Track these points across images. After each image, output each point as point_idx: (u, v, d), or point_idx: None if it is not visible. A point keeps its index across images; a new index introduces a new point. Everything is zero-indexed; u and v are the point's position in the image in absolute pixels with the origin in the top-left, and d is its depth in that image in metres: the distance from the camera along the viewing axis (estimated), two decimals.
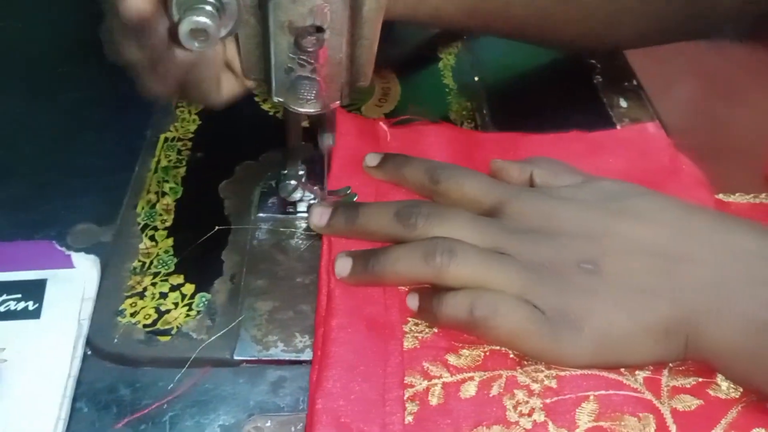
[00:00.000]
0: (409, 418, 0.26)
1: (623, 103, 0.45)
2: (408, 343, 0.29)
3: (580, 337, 0.28)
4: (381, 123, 0.40)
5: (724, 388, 0.27)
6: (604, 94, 0.46)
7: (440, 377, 0.27)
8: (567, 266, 0.29)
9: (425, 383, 0.27)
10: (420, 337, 0.29)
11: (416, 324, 0.30)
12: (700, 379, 0.27)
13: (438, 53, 0.50)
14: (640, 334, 0.28)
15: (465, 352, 0.29)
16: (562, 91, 0.47)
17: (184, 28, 0.24)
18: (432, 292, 0.30)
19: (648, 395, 0.27)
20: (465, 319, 0.29)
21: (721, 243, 0.29)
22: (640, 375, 0.28)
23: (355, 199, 0.36)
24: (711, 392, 0.27)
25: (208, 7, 0.24)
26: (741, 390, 0.27)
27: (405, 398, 0.27)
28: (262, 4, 0.27)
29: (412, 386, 0.27)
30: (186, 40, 0.24)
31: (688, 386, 0.27)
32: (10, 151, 0.41)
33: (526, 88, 0.48)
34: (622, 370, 0.28)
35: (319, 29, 0.27)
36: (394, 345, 0.29)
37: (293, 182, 0.35)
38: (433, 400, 0.27)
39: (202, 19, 0.24)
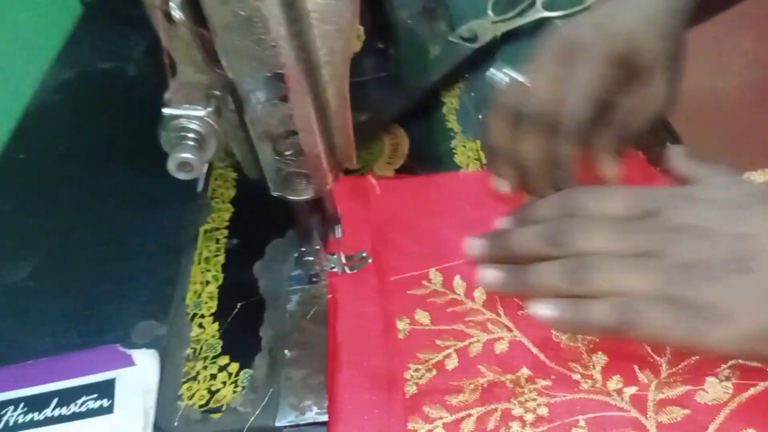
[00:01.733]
0: None
1: None
2: (409, 389, 0.32)
3: (731, 329, 0.29)
4: (369, 177, 0.43)
5: (711, 393, 0.28)
6: None
7: (440, 418, 0.30)
8: (716, 265, 0.30)
9: (426, 426, 0.30)
10: (419, 383, 0.32)
11: (416, 370, 0.33)
12: (687, 388, 0.29)
13: (441, 98, 0.53)
14: None
15: (463, 392, 0.31)
16: None
17: (171, 164, 0.28)
18: (571, 303, 0.32)
19: (634, 413, 0.29)
20: (612, 327, 0.30)
21: None
22: (627, 393, 0.29)
23: (364, 254, 0.39)
24: (698, 399, 0.28)
25: (191, 142, 0.29)
26: (730, 392, 0.28)
27: None
28: (240, 119, 0.31)
29: (414, 431, 0.30)
30: (174, 173, 0.29)
31: (675, 397, 0.29)
32: (63, 266, 0.46)
33: None
34: (611, 390, 0.30)
35: (293, 133, 0.31)
36: (396, 394, 0.32)
37: (311, 258, 0.39)
38: None
39: (186, 154, 0.28)
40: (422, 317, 0.36)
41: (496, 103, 0.42)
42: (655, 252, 0.31)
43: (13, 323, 0.43)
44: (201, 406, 0.36)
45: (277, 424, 0.34)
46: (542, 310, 0.32)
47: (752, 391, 0.29)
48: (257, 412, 0.35)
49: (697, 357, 0.31)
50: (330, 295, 0.38)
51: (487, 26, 0.58)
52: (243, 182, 0.49)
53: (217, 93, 0.30)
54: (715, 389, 0.29)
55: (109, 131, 0.60)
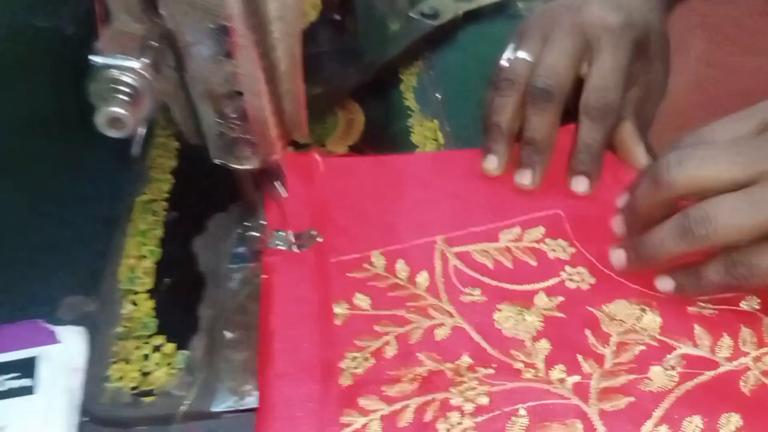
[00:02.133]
0: None
1: None
2: (344, 380, 0.30)
3: None
4: (314, 154, 0.41)
5: (656, 381, 0.28)
6: None
7: (377, 410, 0.29)
8: None
9: (362, 419, 0.29)
10: (355, 372, 0.31)
11: (353, 359, 0.31)
12: (632, 377, 0.28)
13: (399, 75, 0.51)
14: None
15: (401, 382, 0.30)
16: None
17: (100, 119, 0.26)
18: (683, 270, 0.32)
19: (575, 401, 0.28)
20: (732, 283, 0.30)
21: None
22: (570, 382, 0.29)
23: (314, 233, 0.38)
24: (642, 388, 0.28)
25: (123, 96, 0.26)
26: (675, 381, 0.28)
27: None
28: (180, 75, 0.29)
29: (349, 425, 0.28)
30: (103, 129, 0.26)
31: (618, 386, 0.28)
32: None
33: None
34: (552, 379, 0.29)
35: (238, 94, 0.29)
36: (330, 385, 0.30)
37: (256, 233, 0.37)
38: None
39: (117, 108, 0.26)
40: (362, 302, 0.35)
41: (502, 79, 0.40)
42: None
43: None
44: (132, 389, 0.33)
45: (214, 409, 0.32)
46: (665, 285, 0.33)
47: (699, 379, 0.29)
48: (193, 396, 0.33)
49: (643, 348, 0.30)
50: (265, 276, 0.36)
51: (449, 4, 0.57)
52: (186, 153, 0.46)
53: (155, 45, 0.27)
54: (660, 378, 0.29)
55: (43, 96, 0.56)
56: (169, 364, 0.34)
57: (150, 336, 0.36)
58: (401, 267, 0.36)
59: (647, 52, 0.41)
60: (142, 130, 0.28)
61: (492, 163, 0.40)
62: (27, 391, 0.33)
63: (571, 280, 0.35)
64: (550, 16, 0.41)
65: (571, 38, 0.39)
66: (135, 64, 0.26)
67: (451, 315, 0.33)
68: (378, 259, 0.37)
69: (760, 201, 0.29)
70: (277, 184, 0.35)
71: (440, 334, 0.33)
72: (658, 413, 0.27)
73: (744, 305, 0.33)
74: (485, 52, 0.49)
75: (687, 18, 0.54)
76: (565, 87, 0.38)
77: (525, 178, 0.39)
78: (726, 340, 0.31)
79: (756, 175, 0.30)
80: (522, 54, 0.40)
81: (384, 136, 0.46)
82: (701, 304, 0.33)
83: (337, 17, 0.52)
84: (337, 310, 0.34)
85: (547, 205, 0.38)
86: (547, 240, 0.37)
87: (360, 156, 0.43)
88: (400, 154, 0.44)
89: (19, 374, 0.34)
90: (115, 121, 0.26)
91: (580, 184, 0.39)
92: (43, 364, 0.34)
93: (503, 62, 0.41)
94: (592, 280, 0.35)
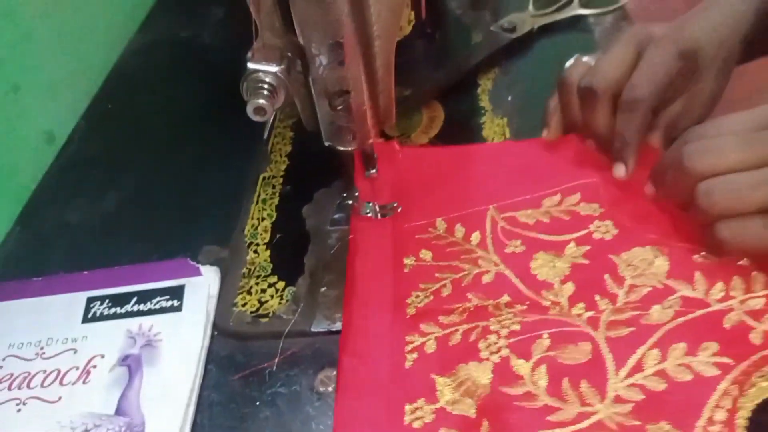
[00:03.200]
0: (408, 364, 0.37)
1: None
2: (410, 311, 0.39)
3: None
4: (395, 143, 0.50)
5: (654, 316, 0.35)
6: None
7: (433, 333, 0.38)
8: None
9: (421, 339, 0.38)
10: (418, 306, 0.40)
11: (416, 296, 0.41)
12: (636, 313, 0.35)
13: (478, 80, 0.60)
14: None
15: (453, 314, 0.39)
16: None
17: (249, 108, 0.36)
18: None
19: (587, 329, 0.35)
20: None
21: None
22: (585, 316, 0.36)
23: (395, 204, 0.47)
24: (642, 321, 0.35)
25: (265, 91, 0.36)
26: (670, 317, 0.35)
27: (405, 351, 0.38)
28: (305, 78, 0.39)
29: (412, 342, 0.38)
30: (251, 115, 0.36)
31: (623, 319, 0.35)
32: (151, 193, 0.56)
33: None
34: (572, 314, 0.37)
35: (346, 92, 0.39)
36: (399, 314, 0.40)
37: (351, 203, 0.47)
38: (429, 350, 0.38)
39: (261, 100, 0.36)
40: (426, 255, 0.44)
41: (566, 77, 0.47)
42: None
43: (104, 240, 0.52)
44: (252, 312, 0.44)
45: (313, 329, 0.42)
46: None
47: (690, 316, 0.35)
48: (297, 318, 0.43)
49: (650, 289, 0.37)
50: (352, 236, 0.46)
51: (526, 19, 0.64)
52: (298, 140, 0.57)
53: (289, 55, 0.37)
54: (658, 314, 0.35)
55: (185, 90, 0.69)
56: (280, 296, 0.45)
57: (266, 276, 0.46)
58: (458, 228, 0.45)
59: (696, 67, 0.45)
60: (271, 118, 0.38)
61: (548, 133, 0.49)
62: (177, 309, 0.45)
63: (597, 231, 0.42)
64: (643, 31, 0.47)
65: (625, 47, 0.45)
66: (274, 68, 0.37)
67: (496, 264, 0.42)
68: (440, 224, 0.45)
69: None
70: (369, 164, 0.45)
71: (486, 278, 0.41)
72: (651, 340, 0.34)
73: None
74: (555, 61, 0.57)
75: None
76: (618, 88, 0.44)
77: (618, 170, 0.44)
78: (719, 285, 0.36)
79: (763, 163, 0.35)
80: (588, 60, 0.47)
81: (460, 130, 0.55)
82: (705, 254, 0.38)
83: (429, 30, 0.61)
84: (406, 261, 0.43)
85: (587, 174, 0.45)
86: (582, 204, 0.44)
87: (432, 146, 0.52)
88: (464, 145, 0.53)
89: (171, 296, 0.46)
90: (259, 110, 0.36)
91: (617, 170, 0.44)
92: (188, 290, 0.46)
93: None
94: (615, 231, 0.41)
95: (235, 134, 0.58)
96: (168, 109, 0.67)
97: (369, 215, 0.48)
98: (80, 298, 0.46)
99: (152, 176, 0.58)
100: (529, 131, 0.53)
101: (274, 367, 0.41)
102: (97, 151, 0.62)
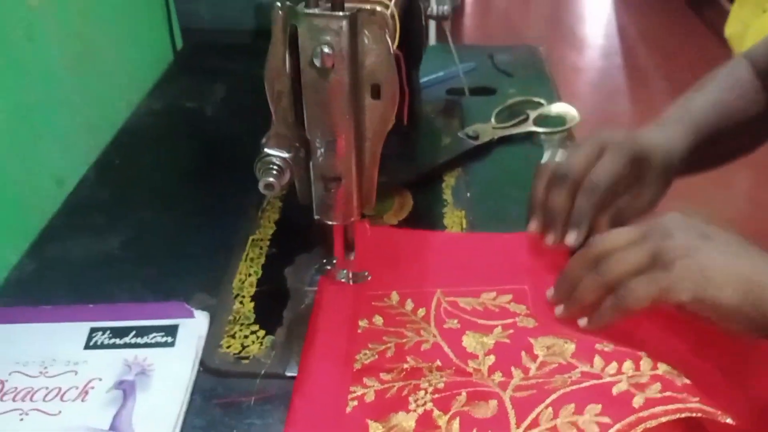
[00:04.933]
0: (349, 409, 0.45)
1: None
2: (356, 366, 0.48)
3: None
4: (364, 223, 0.58)
5: (554, 383, 0.43)
6: None
7: (373, 386, 0.46)
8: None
9: (363, 390, 0.46)
10: (364, 363, 0.48)
11: (364, 354, 0.49)
12: (540, 380, 0.44)
13: (443, 176, 0.70)
14: None
15: (393, 372, 0.47)
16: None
17: (261, 184, 0.45)
18: (593, 310, 0.47)
19: (496, 389, 0.44)
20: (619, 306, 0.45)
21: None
22: (497, 380, 0.45)
23: (366, 273, 0.56)
24: (545, 387, 0.43)
25: (275, 171, 0.45)
26: (568, 383, 0.43)
27: (348, 398, 0.46)
28: (306, 164, 0.48)
29: (354, 392, 0.46)
30: (262, 190, 0.45)
31: (528, 384, 0.44)
32: (148, 240, 0.63)
33: (507, 198, 0.67)
34: (488, 378, 0.45)
35: (338, 178, 0.48)
36: (348, 367, 0.48)
37: (329, 268, 0.55)
38: (368, 399, 0.46)
39: (272, 179, 0.45)
40: (378, 320, 0.52)
41: (541, 169, 0.58)
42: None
43: (103, 277, 0.59)
44: (235, 354, 0.51)
45: (287, 373, 0.49)
46: (583, 323, 0.49)
47: (583, 384, 0.43)
48: (273, 362, 0.50)
49: (556, 365, 0.46)
50: (317, 296, 0.54)
51: (488, 130, 0.76)
52: (286, 210, 0.66)
53: (296, 144, 0.47)
54: (557, 382, 0.43)
55: (186, 154, 0.78)
56: (261, 342, 0.52)
57: (250, 324, 0.54)
58: (409, 302, 0.54)
59: (644, 171, 0.56)
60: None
61: (532, 226, 0.57)
62: (170, 344, 0.52)
63: (521, 322, 0.51)
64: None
65: (591, 147, 0.56)
66: (284, 154, 0.46)
67: (434, 336, 0.50)
68: (395, 296, 0.54)
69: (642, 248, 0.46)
70: (348, 249, 0.54)
71: (425, 346, 0.50)
72: (548, 400, 0.42)
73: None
74: (510, 167, 0.69)
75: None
76: (583, 176, 0.54)
77: (533, 226, 0.57)
78: (614, 365, 0.44)
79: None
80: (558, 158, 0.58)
81: (424, 217, 0.65)
82: (605, 342, 0.47)
83: (405, 130, 0.72)
84: (360, 323, 0.52)
85: (521, 280, 0.56)
86: (512, 303, 0.53)
87: (398, 228, 0.62)
88: (425, 230, 0.62)
89: (166, 333, 0.53)
90: (269, 186, 0.45)
91: (569, 237, 0.54)
92: (182, 330, 0.53)
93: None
94: (536, 324, 0.51)
95: (226, 196, 0.67)
96: (169, 168, 0.75)
97: (343, 281, 0.56)
98: (84, 327, 0.53)
99: (150, 225, 0.66)
100: (483, 223, 0.63)
101: (251, 402, 0.48)
102: (101, 198, 0.70)
